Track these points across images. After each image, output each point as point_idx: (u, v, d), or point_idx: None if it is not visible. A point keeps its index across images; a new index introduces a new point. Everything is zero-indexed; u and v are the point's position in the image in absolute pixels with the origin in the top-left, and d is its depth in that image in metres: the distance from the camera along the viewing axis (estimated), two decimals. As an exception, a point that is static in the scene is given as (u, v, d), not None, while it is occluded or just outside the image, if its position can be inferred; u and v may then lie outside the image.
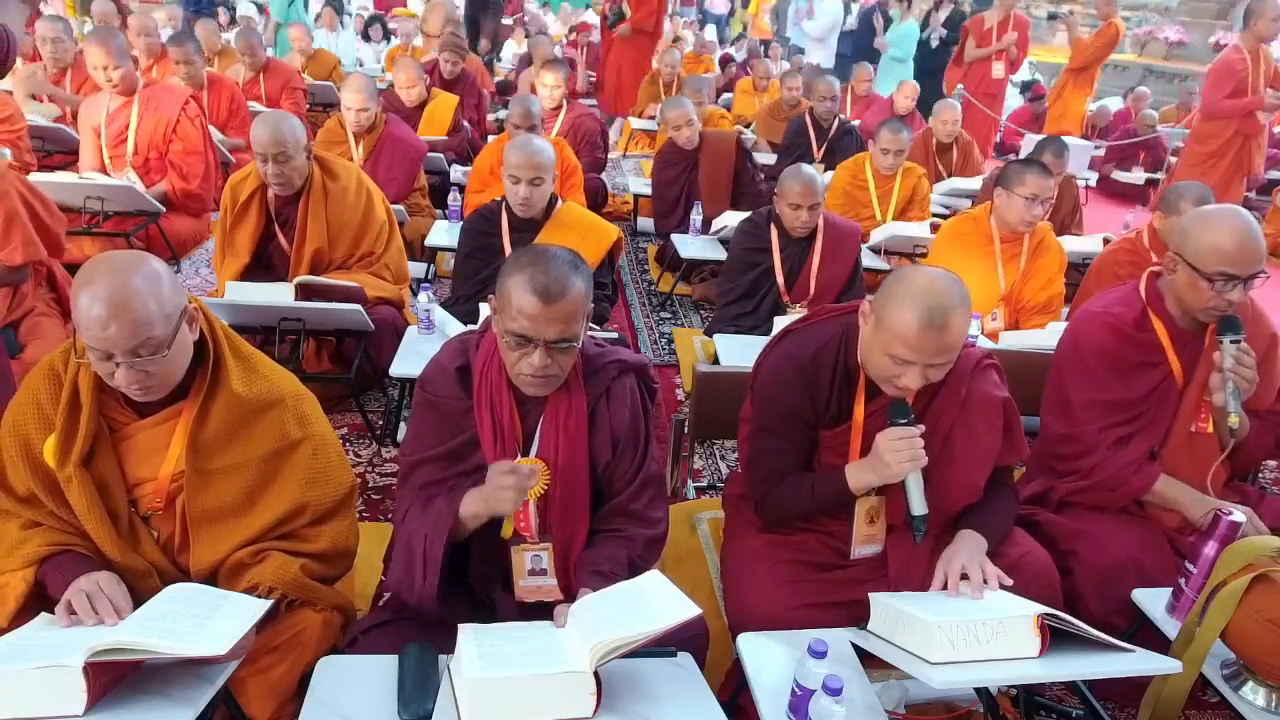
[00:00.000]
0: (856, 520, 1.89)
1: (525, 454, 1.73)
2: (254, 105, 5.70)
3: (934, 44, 9.15)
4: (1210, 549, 1.71)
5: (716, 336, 3.14)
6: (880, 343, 1.73)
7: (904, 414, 1.76)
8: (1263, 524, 2.07)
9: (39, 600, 1.57)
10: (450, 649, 1.46)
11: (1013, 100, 10.20)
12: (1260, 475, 3.36)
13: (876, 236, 4.50)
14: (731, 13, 15.35)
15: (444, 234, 3.99)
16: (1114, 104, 10.09)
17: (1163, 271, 2.19)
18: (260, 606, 1.54)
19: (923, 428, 1.76)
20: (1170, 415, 2.19)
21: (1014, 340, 3.10)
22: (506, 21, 9.23)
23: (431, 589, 1.59)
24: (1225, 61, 5.69)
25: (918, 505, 1.75)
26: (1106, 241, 4.30)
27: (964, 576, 1.71)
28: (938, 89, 8.24)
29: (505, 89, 8.86)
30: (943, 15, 9.20)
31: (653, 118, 8.13)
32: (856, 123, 6.87)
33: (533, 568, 1.75)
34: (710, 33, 15.13)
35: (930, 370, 1.72)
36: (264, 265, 3.19)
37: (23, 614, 1.55)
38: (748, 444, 2.02)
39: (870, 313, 1.79)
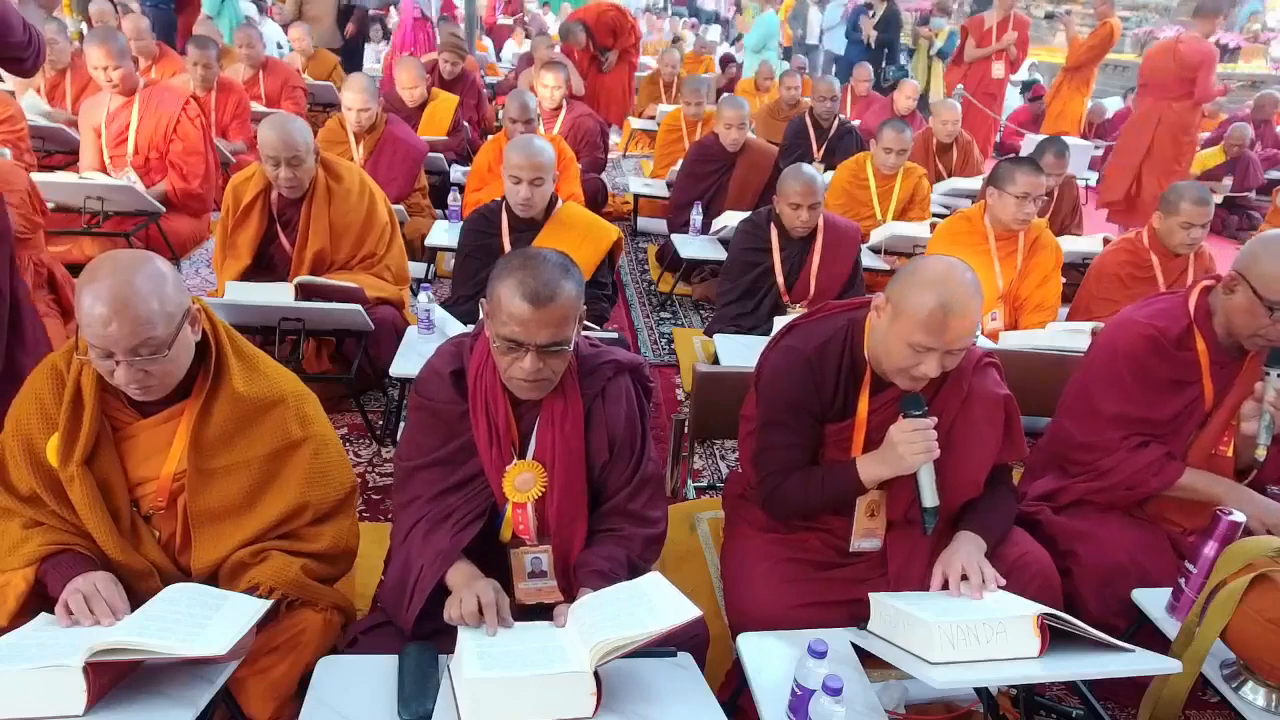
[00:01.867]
0: (856, 513, 1.89)
1: (521, 456, 1.73)
2: (254, 105, 5.70)
3: (871, 44, 9.19)
4: (1210, 549, 1.71)
5: (716, 336, 3.14)
6: (899, 332, 1.73)
7: (917, 406, 1.76)
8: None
9: (40, 599, 1.57)
10: (450, 649, 1.46)
11: (1014, 100, 10.22)
12: (1260, 475, 3.36)
13: (876, 236, 4.50)
14: (739, 12, 15.12)
15: (444, 234, 3.99)
16: (1114, 104, 10.10)
17: (1215, 286, 2.14)
18: (260, 606, 1.54)
19: (935, 419, 1.76)
20: (1192, 434, 2.16)
21: (1014, 340, 3.10)
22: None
23: (410, 620, 1.60)
24: (1207, 52, 6.03)
25: (929, 497, 1.76)
26: (1106, 241, 4.30)
27: (963, 577, 1.72)
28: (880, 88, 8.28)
29: (505, 90, 8.85)
30: (876, 14, 9.20)
31: (652, 118, 8.14)
32: (856, 122, 6.87)
33: (532, 570, 1.75)
34: (715, 33, 15.07)
35: (948, 358, 1.73)
36: (265, 266, 3.19)
37: (23, 613, 1.55)
38: (754, 438, 2.01)
39: (886, 304, 1.79)
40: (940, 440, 1.81)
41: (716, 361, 2.94)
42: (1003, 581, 1.72)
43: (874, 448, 1.84)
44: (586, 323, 1.77)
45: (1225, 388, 2.13)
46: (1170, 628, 1.76)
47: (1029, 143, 7.41)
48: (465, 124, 5.82)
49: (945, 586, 1.73)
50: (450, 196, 4.21)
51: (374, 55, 10.23)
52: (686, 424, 2.55)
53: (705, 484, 3.02)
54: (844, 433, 1.91)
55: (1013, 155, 3.80)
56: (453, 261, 3.56)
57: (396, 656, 1.47)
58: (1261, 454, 2.01)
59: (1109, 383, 2.17)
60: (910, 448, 1.74)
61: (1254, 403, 2.03)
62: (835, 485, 1.87)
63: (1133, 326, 2.18)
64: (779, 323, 3.11)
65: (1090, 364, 2.25)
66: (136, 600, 1.55)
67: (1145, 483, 2.13)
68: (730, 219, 4.23)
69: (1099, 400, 2.18)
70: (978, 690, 1.99)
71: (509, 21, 13.51)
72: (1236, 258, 2.09)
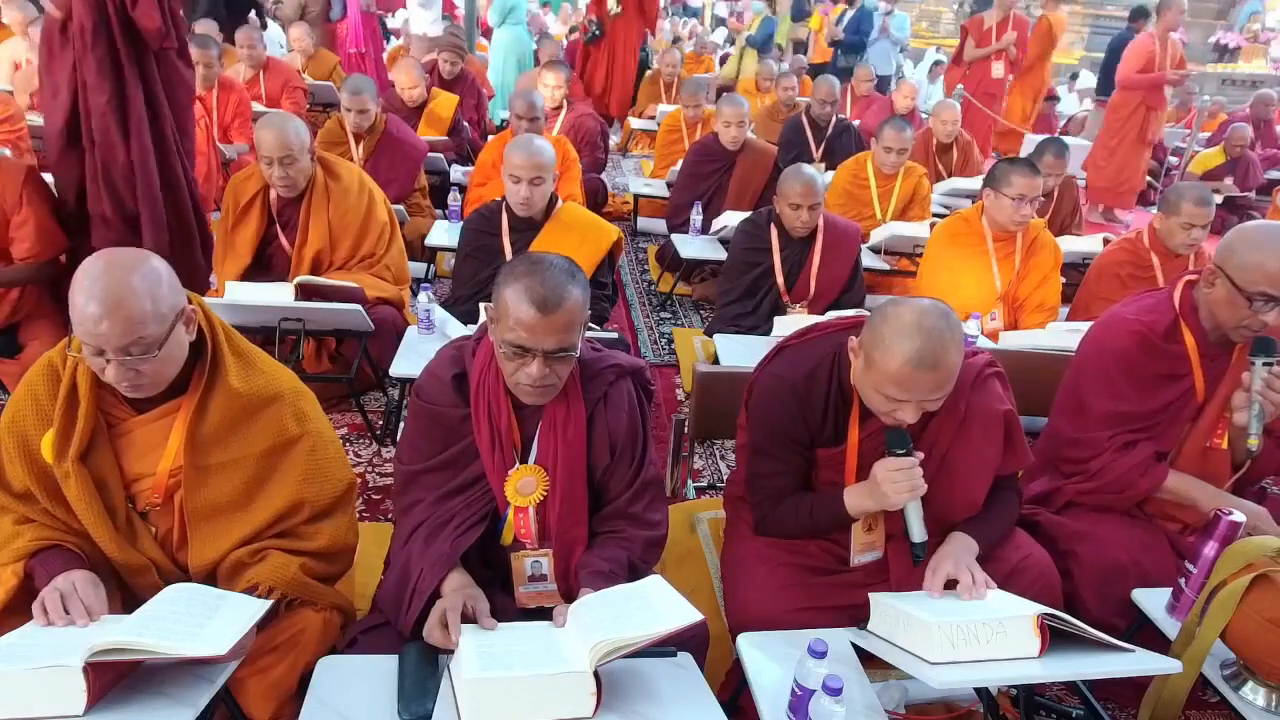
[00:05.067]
0: (855, 529, 1.88)
1: (524, 461, 1.73)
2: (254, 105, 5.70)
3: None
4: (1210, 549, 1.71)
5: (716, 336, 3.14)
6: (872, 382, 1.70)
7: (902, 444, 1.72)
8: (1275, 524, 2.06)
9: (32, 595, 1.56)
10: (450, 649, 1.46)
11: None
12: (1260, 475, 3.36)
13: (876, 236, 4.50)
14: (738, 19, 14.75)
15: (444, 234, 3.99)
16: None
17: (1199, 281, 2.15)
18: (260, 606, 1.54)
19: (921, 456, 1.73)
20: (1185, 428, 2.16)
21: (1013, 340, 3.10)
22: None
23: (409, 624, 1.59)
24: (1138, 43, 7.01)
25: (917, 533, 1.73)
26: (1106, 241, 4.30)
27: (955, 581, 1.71)
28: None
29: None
30: None
31: (653, 118, 8.14)
32: (856, 122, 6.87)
33: (533, 573, 1.75)
34: (720, 34, 14.93)
35: (926, 404, 1.69)
36: (264, 265, 3.19)
37: (13, 608, 1.55)
38: (745, 463, 2.01)
39: (859, 350, 1.75)
40: (936, 465, 1.80)
41: (716, 361, 2.94)
42: (993, 585, 1.70)
43: (868, 472, 1.80)
44: (589, 324, 1.76)
45: (1216, 380, 2.14)
46: (1170, 628, 1.76)
47: (1029, 143, 7.42)
48: (465, 124, 5.82)
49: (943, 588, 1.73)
50: (450, 196, 4.21)
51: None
52: (686, 424, 2.55)
53: (705, 484, 3.02)
54: (836, 458, 1.89)
55: (1010, 156, 3.81)
56: (453, 261, 3.56)
57: (396, 656, 1.47)
58: (1255, 444, 2.02)
59: (1098, 380, 2.19)
60: (894, 487, 1.70)
61: (1243, 393, 2.04)
62: (824, 515, 1.87)
63: (1120, 324, 2.19)
64: (779, 323, 3.12)
65: (1080, 362, 2.26)
66: (134, 598, 1.55)
67: (1134, 484, 2.13)
68: (730, 219, 4.23)
69: (1089, 398, 2.19)
70: (978, 690, 1.98)
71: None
72: (1215, 251, 2.11)
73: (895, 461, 1.71)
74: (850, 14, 9.78)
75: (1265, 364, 2.01)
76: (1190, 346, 2.14)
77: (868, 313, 1.85)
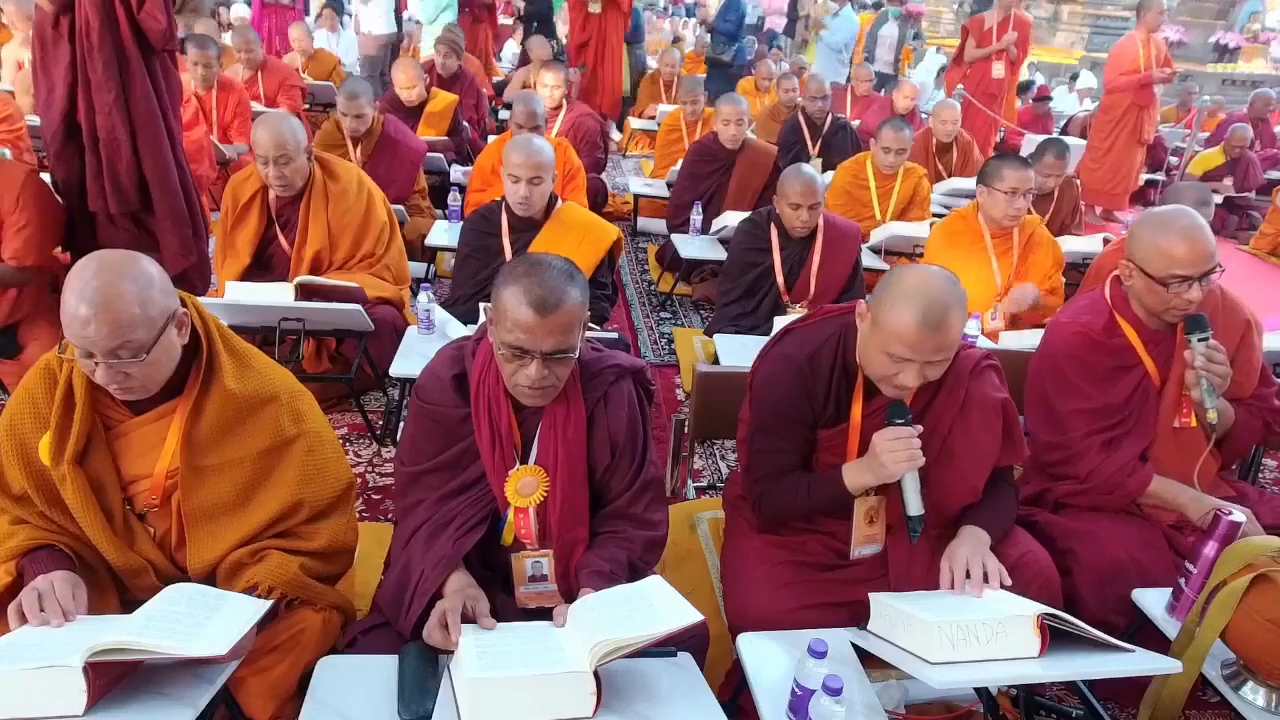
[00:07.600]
0: (856, 520, 1.89)
1: (524, 461, 1.73)
2: (254, 105, 5.70)
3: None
4: (1210, 549, 1.71)
5: (716, 336, 3.14)
6: (877, 342, 1.73)
7: (902, 414, 1.75)
8: (1259, 525, 2.07)
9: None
10: (450, 650, 1.46)
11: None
12: (1260, 475, 3.36)
13: (876, 236, 4.50)
14: (790, 31, 13.58)
15: (444, 234, 4.00)
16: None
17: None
18: (260, 606, 1.54)
19: (920, 428, 1.75)
20: (1154, 414, 2.20)
21: (1014, 340, 3.11)
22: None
23: (409, 625, 1.59)
24: (1122, 46, 7.21)
25: (914, 506, 1.75)
26: (1106, 241, 4.30)
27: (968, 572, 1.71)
28: None
29: (504, 89, 8.85)
30: None
31: (653, 118, 8.14)
32: (856, 123, 6.87)
33: (533, 574, 1.75)
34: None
35: (928, 368, 1.72)
36: (264, 266, 3.19)
37: (7, 608, 1.55)
38: (746, 443, 2.01)
39: (867, 312, 1.80)
40: (936, 448, 1.81)
41: (716, 361, 2.94)
42: (1008, 581, 1.71)
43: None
44: (588, 324, 1.76)
45: (1167, 362, 2.19)
46: (1170, 628, 1.76)
47: (1029, 143, 7.43)
48: (465, 124, 5.81)
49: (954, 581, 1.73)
50: (450, 196, 4.21)
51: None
52: (686, 424, 2.55)
53: (705, 484, 3.03)
54: (837, 438, 1.91)
55: (1001, 153, 3.81)
56: (453, 261, 3.56)
57: (396, 656, 1.47)
58: (1213, 417, 2.07)
59: (1059, 384, 2.23)
60: (893, 456, 1.72)
61: (1191, 371, 2.09)
62: (823, 492, 1.87)
63: (1062, 329, 2.26)
64: (779, 323, 3.11)
65: (1038, 372, 2.30)
66: (133, 598, 1.55)
67: (1123, 485, 2.15)
68: (730, 219, 4.22)
69: (1055, 401, 2.23)
70: (978, 690, 1.98)
71: (509, 21, 13.47)
72: (1126, 244, 2.18)
73: (894, 431, 1.73)
74: None
75: (1200, 339, 2.07)
76: (1131, 336, 2.20)
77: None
